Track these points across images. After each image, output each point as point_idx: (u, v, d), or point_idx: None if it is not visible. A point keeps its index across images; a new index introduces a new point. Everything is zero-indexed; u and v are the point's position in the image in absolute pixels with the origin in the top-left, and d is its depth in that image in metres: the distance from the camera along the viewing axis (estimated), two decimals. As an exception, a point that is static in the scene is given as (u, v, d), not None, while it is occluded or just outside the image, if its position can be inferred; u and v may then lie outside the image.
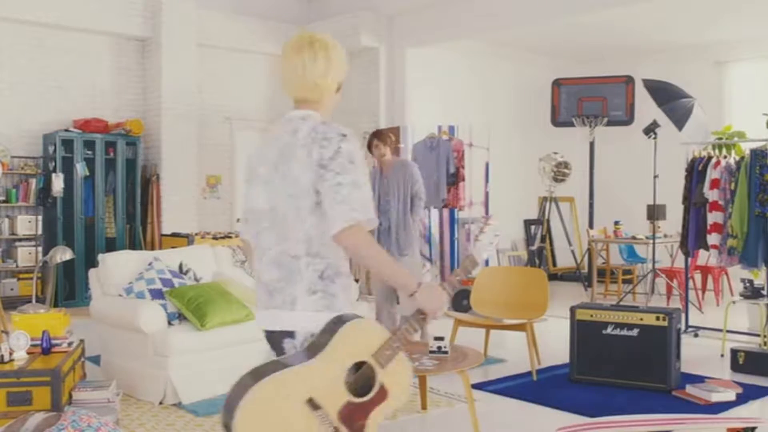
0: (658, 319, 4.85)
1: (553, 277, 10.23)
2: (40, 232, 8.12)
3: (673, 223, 8.11)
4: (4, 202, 8.10)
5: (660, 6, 8.04)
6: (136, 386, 4.61)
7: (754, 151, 5.96)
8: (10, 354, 4.06)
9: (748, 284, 5.99)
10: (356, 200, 2.10)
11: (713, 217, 6.27)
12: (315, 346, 2.12)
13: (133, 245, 8.52)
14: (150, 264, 5.00)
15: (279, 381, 2.03)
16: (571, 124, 10.11)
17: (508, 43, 10.13)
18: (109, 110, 8.80)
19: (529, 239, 10.46)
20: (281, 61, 2.33)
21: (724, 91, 9.86)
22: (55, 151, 8.14)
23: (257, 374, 2.04)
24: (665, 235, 8.39)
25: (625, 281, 9.19)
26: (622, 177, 10.47)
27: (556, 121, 10.24)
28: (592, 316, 5.01)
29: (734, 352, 5.44)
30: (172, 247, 6.46)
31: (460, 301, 5.47)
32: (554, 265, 10.76)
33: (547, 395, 4.72)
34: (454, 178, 8.61)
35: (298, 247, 2.17)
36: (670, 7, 8.18)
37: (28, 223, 8.07)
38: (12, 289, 7.98)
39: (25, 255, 8.06)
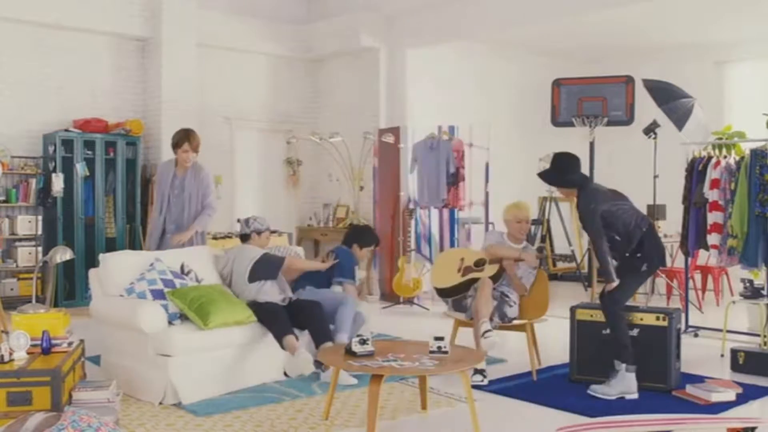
0: (658, 319, 4.85)
1: (553, 277, 10.22)
2: (40, 232, 8.12)
3: (673, 223, 8.11)
4: (4, 202, 8.10)
5: (660, 6, 8.03)
6: (136, 386, 4.61)
7: (754, 151, 5.96)
8: (10, 354, 4.06)
9: (748, 284, 5.99)
10: None
11: (713, 217, 6.26)
12: None
13: (133, 245, 8.52)
14: (151, 265, 5.00)
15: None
16: (571, 124, 10.09)
17: (508, 43, 10.13)
18: (109, 110, 8.80)
19: (529, 239, 10.45)
20: None
21: (724, 91, 9.85)
22: (55, 151, 8.14)
23: None
24: (665, 235, 8.37)
25: (625, 281, 9.17)
26: (622, 177, 10.44)
27: (556, 121, 10.22)
28: (592, 316, 5.01)
29: (734, 352, 5.44)
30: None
31: (461, 301, 5.48)
32: (554, 265, 10.76)
33: (547, 395, 4.72)
34: (454, 178, 8.61)
35: None
36: (670, 7, 8.17)
37: (28, 223, 8.07)
38: (12, 289, 7.99)
39: (25, 255, 8.06)
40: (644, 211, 8.58)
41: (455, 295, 5.49)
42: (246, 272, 5.24)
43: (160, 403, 4.45)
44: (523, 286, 5.41)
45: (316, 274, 5.82)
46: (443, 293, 5.59)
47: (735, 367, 5.39)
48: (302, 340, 5.04)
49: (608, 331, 4.87)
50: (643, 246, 4.83)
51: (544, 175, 5.09)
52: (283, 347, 4.88)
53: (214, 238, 8.23)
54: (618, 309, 4.81)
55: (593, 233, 4.79)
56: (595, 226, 4.75)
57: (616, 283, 4.75)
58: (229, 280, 5.34)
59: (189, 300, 4.71)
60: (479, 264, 5.40)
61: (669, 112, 7.26)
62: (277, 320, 4.96)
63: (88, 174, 8.30)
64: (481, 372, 4.97)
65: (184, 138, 6.06)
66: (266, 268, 5.28)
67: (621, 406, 4.45)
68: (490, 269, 5.31)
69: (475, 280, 5.32)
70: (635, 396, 4.63)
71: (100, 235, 8.40)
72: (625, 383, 4.66)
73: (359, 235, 6.23)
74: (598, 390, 4.69)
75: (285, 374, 5.08)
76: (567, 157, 4.99)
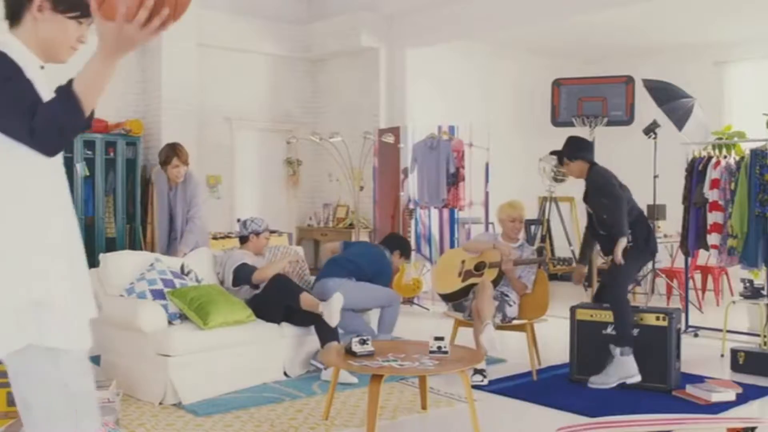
0: (658, 319, 4.85)
1: (553, 277, 10.22)
2: (40, 232, 8.11)
3: (673, 223, 8.10)
4: (4, 202, 8.09)
5: (660, 6, 8.03)
6: (136, 386, 4.61)
7: (754, 151, 5.96)
8: (10, 354, 4.06)
9: (748, 284, 5.99)
10: None
11: (713, 217, 6.27)
12: None
13: (133, 245, 8.52)
14: (151, 265, 5.01)
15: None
16: (571, 124, 10.09)
17: (508, 43, 10.13)
18: (109, 110, 8.80)
19: (529, 239, 10.45)
20: None
21: (724, 91, 9.85)
22: (55, 151, 8.13)
23: None
24: (665, 235, 8.38)
25: (625, 281, 9.16)
26: (622, 177, 10.40)
27: (556, 121, 10.23)
28: (592, 316, 5.01)
29: (734, 352, 5.44)
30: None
31: (461, 301, 5.50)
32: (554, 265, 10.74)
33: (547, 395, 4.72)
34: (454, 178, 8.61)
35: None
36: (670, 7, 8.17)
37: (28, 223, 8.07)
38: (12, 289, 7.98)
39: (25, 255, 8.05)
40: (644, 211, 8.61)
41: (457, 299, 5.53)
42: (229, 278, 5.32)
43: (160, 403, 4.45)
44: (523, 285, 5.41)
45: (347, 263, 5.74)
46: (445, 298, 5.63)
47: (735, 367, 5.39)
48: (309, 338, 5.08)
49: (611, 329, 4.88)
50: (633, 231, 5.00)
51: (560, 152, 5.31)
52: (303, 307, 4.95)
53: (214, 238, 8.23)
54: (623, 293, 4.89)
55: (612, 195, 4.97)
56: (614, 190, 4.97)
57: (624, 239, 4.87)
58: (221, 282, 5.38)
59: (189, 300, 4.71)
60: (479, 268, 5.42)
61: (669, 112, 7.27)
62: (280, 292, 5.03)
63: (88, 174, 8.30)
64: (480, 372, 4.97)
65: (171, 154, 5.91)
66: (244, 276, 5.30)
67: (621, 406, 4.45)
68: (491, 273, 5.32)
69: (475, 284, 5.33)
70: (637, 378, 4.64)
71: (100, 235, 8.40)
72: (623, 368, 4.66)
73: (403, 244, 6.25)
74: (596, 381, 4.69)
75: (285, 374, 5.09)
76: (580, 138, 5.34)
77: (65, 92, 1.82)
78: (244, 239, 5.59)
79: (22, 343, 1.92)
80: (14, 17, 2.03)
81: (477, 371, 4.95)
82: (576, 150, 5.15)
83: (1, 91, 1.85)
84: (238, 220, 9.78)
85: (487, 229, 8.53)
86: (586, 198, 5.28)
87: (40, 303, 1.92)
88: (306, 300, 4.96)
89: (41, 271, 1.93)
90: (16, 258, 1.91)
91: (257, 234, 5.56)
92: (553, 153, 5.47)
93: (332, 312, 4.82)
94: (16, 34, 2.02)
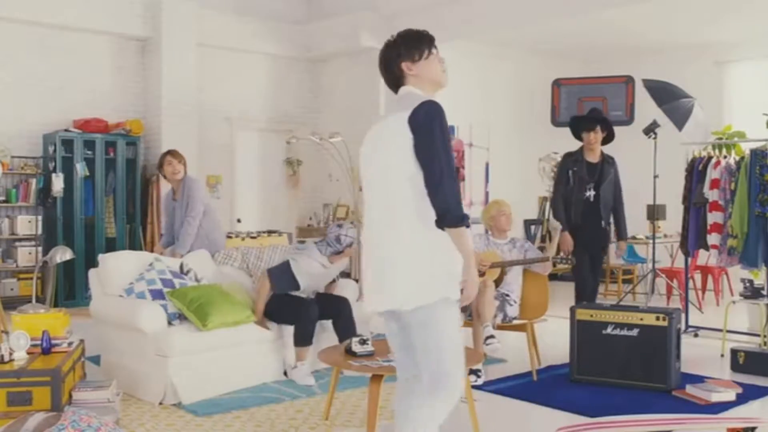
0: (658, 319, 4.85)
1: (553, 277, 10.21)
2: (40, 232, 8.12)
3: (673, 223, 8.10)
4: (4, 202, 8.10)
5: (660, 6, 8.04)
6: (136, 386, 4.61)
7: (754, 151, 5.96)
8: (10, 354, 4.06)
9: (748, 284, 5.99)
10: None
11: (713, 217, 6.26)
12: None
13: (133, 245, 8.52)
14: (151, 264, 5.00)
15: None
16: (571, 124, 10.10)
17: (508, 43, 10.13)
18: (109, 110, 8.80)
19: (529, 239, 10.45)
20: None
21: (724, 91, 9.85)
22: (55, 151, 8.14)
23: None
24: (665, 235, 8.38)
25: (625, 281, 9.18)
26: (622, 177, 10.42)
27: (556, 121, 10.23)
28: (592, 316, 5.01)
29: (734, 352, 5.44)
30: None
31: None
32: (554, 265, 10.74)
33: (547, 395, 4.72)
34: (454, 178, 8.60)
35: None
36: (670, 7, 8.18)
37: (28, 223, 8.07)
38: (12, 289, 7.99)
39: (25, 255, 8.06)
40: (644, 211, 8.63)
41: None
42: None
43: (160, 403, 4.45)
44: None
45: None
46: None
47: (735, 367, 5.39)
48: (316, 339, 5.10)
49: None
50: None
51: (596, 118, 5.88)
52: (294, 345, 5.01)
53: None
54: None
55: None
56: None
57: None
58: None
59: (188, 300, 4.71)
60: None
61: (669, 112, 7.25)
62: (302, 321, 4.99)
63: (88, 174, 8.30)
64: (475, 372, 4.97)
65: (165, 154, 6.01)
66: (278, 273, 5.21)
67: (621, 406, 4.45)
68: (492, 274, 5.32)
69: None
70: None
71: (100, 235, 8.41)
72: None
73: None
74: None
75: (285, 374, 5.09)
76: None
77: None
78: (337, 253, 5.15)
79: (442, 295, 2.77)
80: (398, 83, 3.19)
81: (472, 371, 4.94)
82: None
83: (443, 136, 2.91)
84: (239, 220, 9.82)
85: (486, 230, 8.52)
86: (600, 178, 5.90)
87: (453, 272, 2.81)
88: (299, 352, 4.99)
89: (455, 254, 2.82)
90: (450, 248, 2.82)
91: (350, 245, 5.15)
92: (577, 119, 5.94)
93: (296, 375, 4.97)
94: (408, 90, 3.15)
